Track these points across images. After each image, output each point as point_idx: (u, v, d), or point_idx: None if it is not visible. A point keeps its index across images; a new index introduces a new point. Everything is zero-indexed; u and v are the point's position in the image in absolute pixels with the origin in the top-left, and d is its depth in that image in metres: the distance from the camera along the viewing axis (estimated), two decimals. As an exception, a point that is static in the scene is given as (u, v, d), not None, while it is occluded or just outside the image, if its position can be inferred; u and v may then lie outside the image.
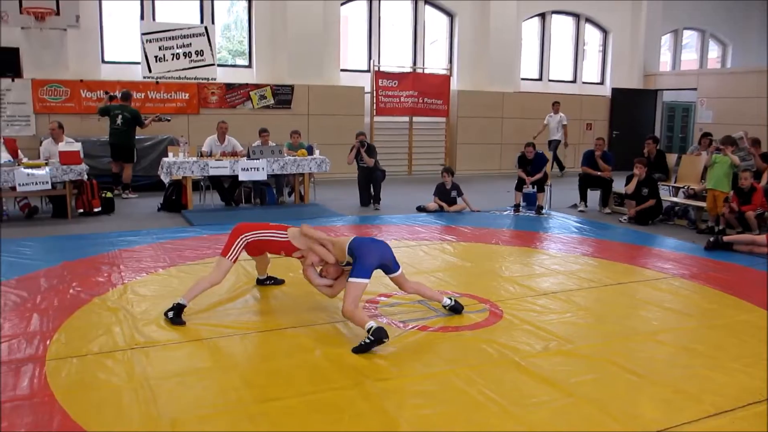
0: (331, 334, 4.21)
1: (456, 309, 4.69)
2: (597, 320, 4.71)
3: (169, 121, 10.79)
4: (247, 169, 8.93)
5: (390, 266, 4.45)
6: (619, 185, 9.55)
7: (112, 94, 10.42)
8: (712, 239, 7.19)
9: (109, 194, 8.80)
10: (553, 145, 14.02)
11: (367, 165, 9.59)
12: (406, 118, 13.95)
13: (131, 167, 10.28)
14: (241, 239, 4.56)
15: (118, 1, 11.82)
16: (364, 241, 4.40)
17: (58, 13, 10.43)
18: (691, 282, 5.80)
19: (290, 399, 3.29)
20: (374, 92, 13.39)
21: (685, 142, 17.14)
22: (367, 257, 4.21)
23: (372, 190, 9.70)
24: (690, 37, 19.42)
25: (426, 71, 14.34)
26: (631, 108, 16.52)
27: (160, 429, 2.97)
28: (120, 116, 10.01)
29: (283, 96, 12.54)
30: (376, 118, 13.52)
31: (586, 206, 9.87)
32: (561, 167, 14.44)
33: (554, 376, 3.62)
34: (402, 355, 3.92)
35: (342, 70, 13.63)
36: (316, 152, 9.80)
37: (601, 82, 17.12)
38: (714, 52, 19.85)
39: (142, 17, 11.86)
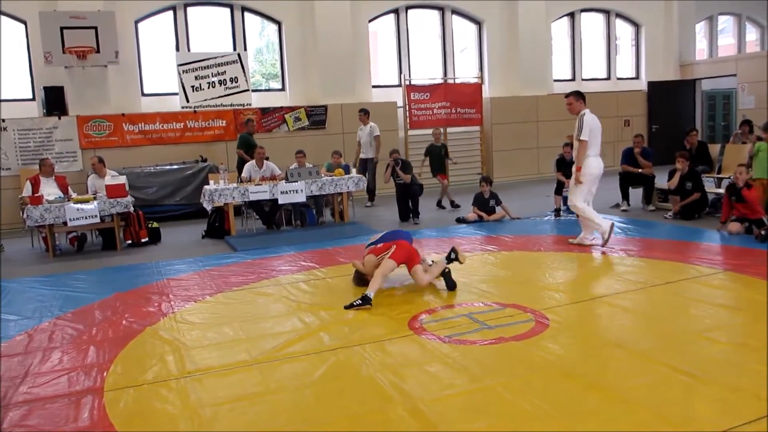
0: (376, 354, 4.24)
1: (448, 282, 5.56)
2: (646, 322, 4.62)
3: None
4: (287, 192, 9.06)
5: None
6: (661, 180, 9.36)
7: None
8: (764, 231, 6.98)
9: (155, 224, 9.04)
10: (369, 165, 11.45)
11: (404, 181, 9.63)
12: (440, 130, 13.92)
13: None
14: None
15: (154, 35, 12.20)
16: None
17: (98, 51, 10.81)
18: (743, 276, 5.64)
19: (340, 420, 3.32)
20: (407, 106, 13.46)
21: (728, 131, 16.66)
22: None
23: (411, 204, 9.73)
24: (726, 22, 18.96)
25: (457, 81, 14.36)
26: (669, 100, 16.20)
27: (216, 455, 3.04)
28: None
29: (317, 116, 12.71)
30: (410, 132, 13.57)
31: (629, 205, 9.70)
32: (371, 194, 11.70)
33: (605, 382, 3.57)
34: (449, 371, 3.92)
35: (374, 87, 13.75)
36: (353, 171, 9.88)
37: (636, 77, 16.84)
38: (752, 34, 19.32)
39: (177, 48, 12.21)
